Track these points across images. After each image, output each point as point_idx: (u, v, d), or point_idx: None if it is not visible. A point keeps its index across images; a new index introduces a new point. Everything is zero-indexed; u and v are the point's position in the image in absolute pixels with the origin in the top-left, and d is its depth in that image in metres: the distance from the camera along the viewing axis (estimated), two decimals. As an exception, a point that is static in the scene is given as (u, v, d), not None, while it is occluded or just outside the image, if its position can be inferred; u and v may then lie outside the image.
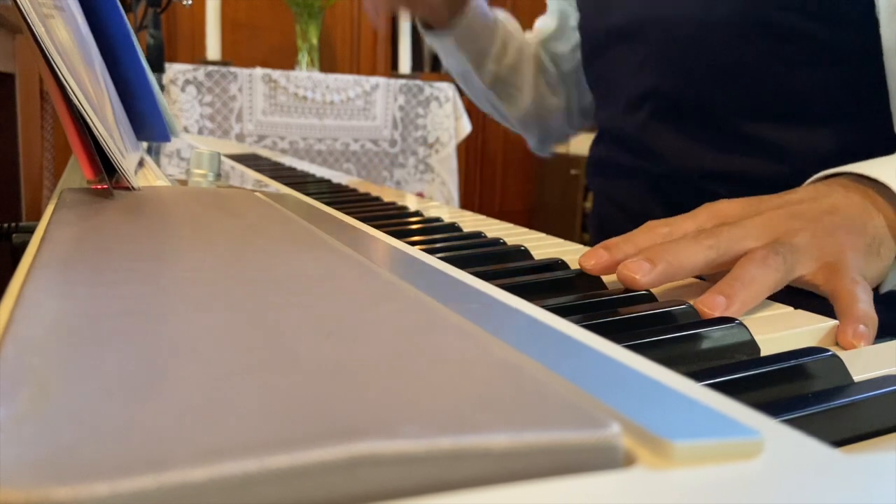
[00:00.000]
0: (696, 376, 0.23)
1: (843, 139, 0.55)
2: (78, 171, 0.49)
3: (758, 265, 0.34)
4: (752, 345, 0.28)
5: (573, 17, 0.84)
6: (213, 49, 2.49)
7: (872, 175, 0.40)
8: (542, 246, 0.48)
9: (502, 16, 0.87)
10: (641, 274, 0.34)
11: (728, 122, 0.61)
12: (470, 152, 3.35)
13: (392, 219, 0.57)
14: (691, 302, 0.32)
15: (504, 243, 0.47)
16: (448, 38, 0.82)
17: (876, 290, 0.41)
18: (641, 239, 0.38)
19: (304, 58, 2.62)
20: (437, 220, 0.56)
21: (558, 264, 0.41)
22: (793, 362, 0.25)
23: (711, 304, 0.32)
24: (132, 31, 0.59)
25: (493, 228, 0.55)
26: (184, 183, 0.54)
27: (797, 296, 0.36)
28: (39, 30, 0.33)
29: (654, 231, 0.39)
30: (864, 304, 0.33)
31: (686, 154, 0.63)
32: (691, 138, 0.63)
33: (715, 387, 0.19)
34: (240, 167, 0.86)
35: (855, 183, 0.41)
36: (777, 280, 0.34)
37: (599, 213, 0.79)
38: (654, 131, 0.66)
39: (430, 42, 0.85)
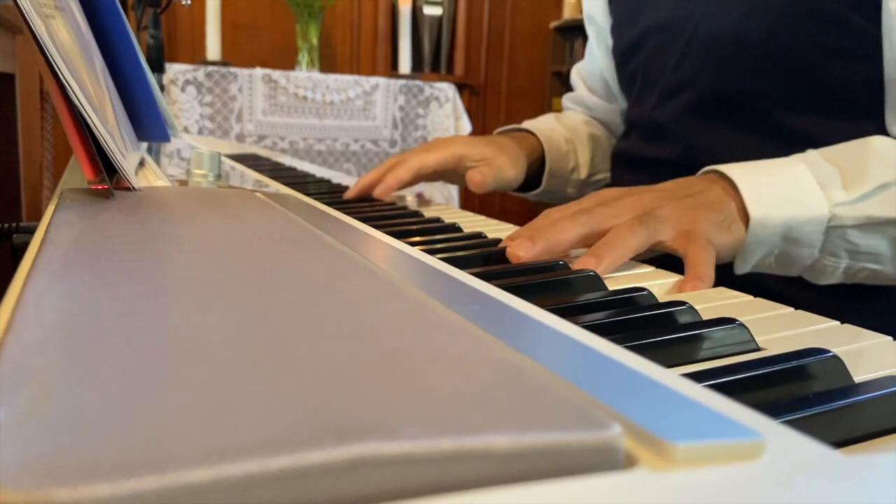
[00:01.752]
0: (697, 377, 0.23)
1: (884, 132, 0.55)
2: (78, 172, 0.49)
3: (624, 230, 0.41)
4: (753, 345, 0.28)
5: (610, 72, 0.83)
6: (213, 49, 2.50)
7: (727, 173, 0.48)
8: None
9: (563, 123, 0.85)
10: (524, 251, 0.42)
11: (767, 114, 0.60)
12: (470, 152, 3.34)
13: (392, 219, 0.57)
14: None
15: (504, 244, 0.47)
16: (532, 197, 0.83)
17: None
18: (536, 223, 0.45)
19: (304, 58, 2.62)
20: (438, 220, 0.56)
21: (558, 265, 0.41)
22: (793, 363, 0.25)
23: (584, 263, 0.39)
24: (132, 32, 0.59)
25: (494, 229, 0.55)
26: (184, 183, 0.54)
27: (798, 295, 0.36)
28: (40, 30, 0.33)
29: (547, 216, 0.46)
30: (706, 266, 0.41)
31: (720, 146, 0.63)
32: (726, 129, 0.63)
33: (715, 388, 0.19)
34: (240, 167, 0.86)
35: (718, 178, 0.48)
36: (640, 242, 0.41)
37: None
38: (688, 123, 0.66)
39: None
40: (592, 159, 0.84)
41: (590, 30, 0.86)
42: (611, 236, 0.41)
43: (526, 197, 0.83)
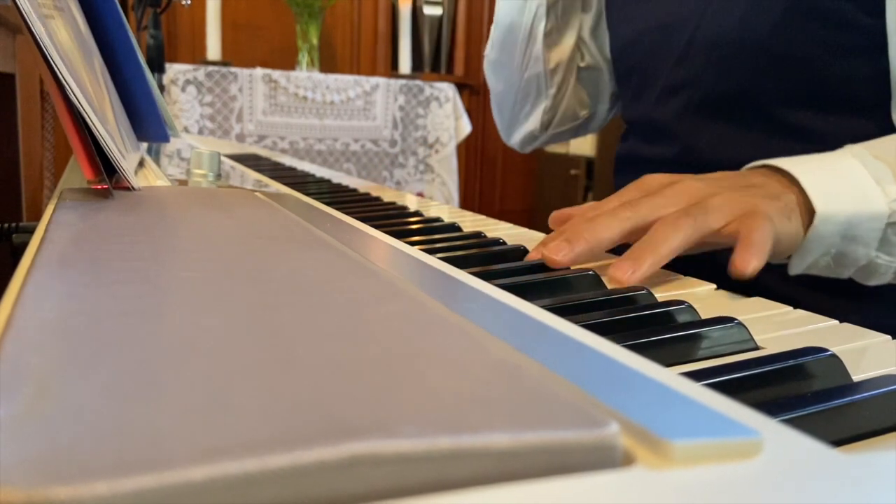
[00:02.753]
0: (696, 376, 0.23)
1: (888, 126, 0.55)
2: (78, 172, 0.49)
3: (668, 226, 0.37)
4: (751, 344, 0.28)
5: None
6: (213, 49, 2.50)
7: (785, 167, 0.44)
8: (542, 246, 0.48)
9: None
10: (561, 255, 0.38)
11: (769, 111, 0.60)
12: (470, 152, 3.35)
13: (392, 219, 0.57)
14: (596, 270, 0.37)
15: (504, 243, 0.47)
16: None
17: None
18: (574, 221, 0.42)
19: (304, 58, 2.62)
20: (437, 220, 0.56)
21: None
22: (792, 362, 0.25)
23: (619, 271, 0.36)
24: (131, 32, 0.59)
25: (493, 228, 0.55)
26: (184, 183, 0.54)
27: (796, 294, 0.36)
28: (39, 30, 0.33)
29: (585, 214, 0.42)
30: (762, 239, 0.36)
31: (722, 143, 0.62)
32: (728, 127, 0.63)
33: (714, 386, 0.19)
34: (240, 167, 0.86)
35: (773, 172, 0.45)
36: (686, 238, 0.37)
37: None
38: (690, 121, 0.65)
39: None
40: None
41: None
42: (652, 234, 0.37)
43: None
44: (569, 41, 0.82)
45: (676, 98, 0.67)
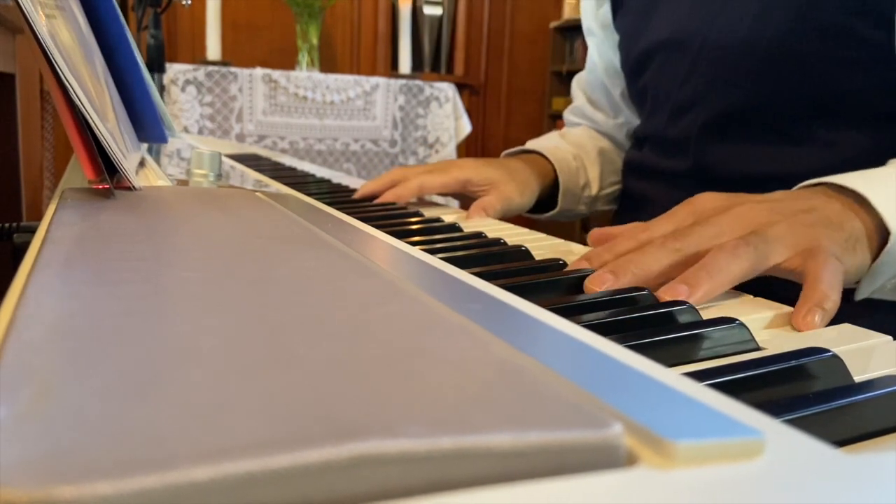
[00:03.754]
0: (698, 376, 0.23)
1: None
2: (79, 171, 0.49)
3: (726, 255, 0.35)
4: (753, 344, 0.28)
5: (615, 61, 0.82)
6: (213, 49, 2.50)
7: (851, 186, 0.41)
8: (542, 246, 0.48)
9: (571, 139, 0.84)
10: (605, 287, 0.35)
11: (779, 125, 0.60)
12: (470, 152, 3.35)
13: (392, 219, 0.57)
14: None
15: (504, 243, 0.47)
16: (546, 218, 0.81)
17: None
18: (620, 246, 0.39)
19: (304, 58, 2.62)
20: (438, 220, 0.56)
21: (558, 264, 0.41)
22: (794, 363, 0.25)
23: (674, 292, 0.33)
24: (129, 33, 0.59)
25: (493, 228, 0.55)
26: (184, 183, 0.54)
27: (795, 296, 0.36)
28: (41, 29, 0.33)
29: (633, 238, 0.40)
30: (830, 286, 0.33)
31: (734, 158, 0.62)
32: (740, 143, 0.62)
33: (716, 387, 0.19)
34: (240, 167, 0.86)
35: (836, 192, 0.42)
36: (746, 269, 0.35)
37: (625, 215, 0.79)
38: (702, 138, 0.65)
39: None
40: (602, 174, 0.82)
41: (590, 41, 0.85)
42: (710, 261, 0.35)
43: (538, 218, 0.81)
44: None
45: (688, 116, 0.67)
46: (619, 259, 0.37)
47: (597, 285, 0.35)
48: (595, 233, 0.46)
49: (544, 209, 0.79)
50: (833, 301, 0.33)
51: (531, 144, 0.81)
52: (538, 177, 0.75)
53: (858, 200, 0.41)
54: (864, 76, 0.55)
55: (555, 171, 0.77)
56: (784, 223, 0.37)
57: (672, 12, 0.68)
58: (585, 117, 0.88)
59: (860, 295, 0.43)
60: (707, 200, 0.41)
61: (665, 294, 0.33)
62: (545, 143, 0.82)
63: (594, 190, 0.82)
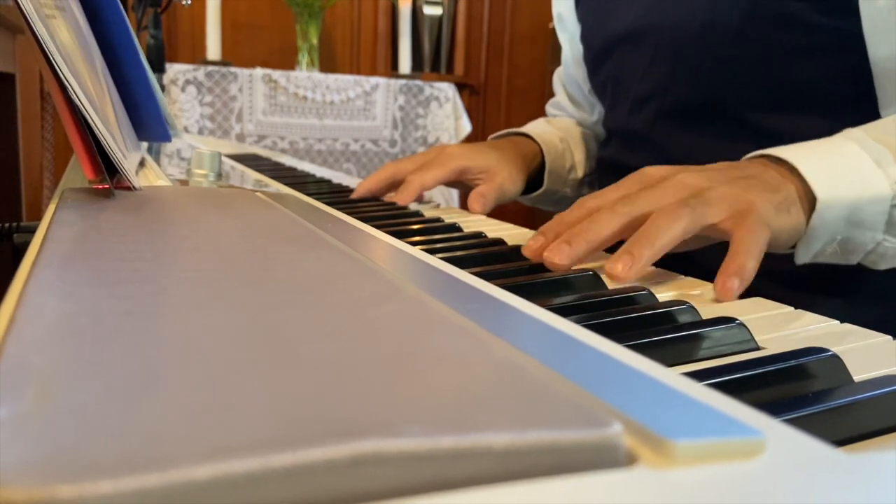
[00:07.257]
0: (697, 376, 0.23)
1: (858, 124, 0.55)
2: (79, 171, 0.49)
3: (664, 217, 0.37)
4: (752, 344, 0.28)
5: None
6: (213, 49, 2.49)
7: (784, 156, 0.44)
8: (543, 246, 0.48)
9: (560, 125, 0.85)
10: (561, 257, 0.38)
11: (737, 116, 0.60)
12: (470, 152, 3.34)
13: (392, 219, 0.57)
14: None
15: (504, 243, 0.47)
16: (532, 199, 0.82)
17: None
18: (570, 216, 0.42)
19: (304, 58, 2.62)
20: (438, 220, 0.56)
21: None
22: (793, 362, 0.25)
23: (617, 266, 0.36)
24: (133, 32, 0.59)
25: (493, 228, 0.55)
26: (184, 183, 0.54)
27: (799, 295, 0.36)
28: (41, 30, 0.33)
29: (583, 207, 0.42)
30: (749, 255, 0.36)
31: (694, 150, 0.63)
32: (700, 134, 0.63)
33: (716, 386, 0.19)
34: (240, 167, 0.86)
35: (772, 162, 0.45)
36: (684, 228, 0.37)
37: None
38: (662, 129, 0.66)
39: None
40: (587, 158, 0.84)
41: (562, 37, 0.87)
42: (648, 226, 0.37)
43: (523, 201, 0.82)
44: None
45: (647, 108, 0.67)
46: (573, 228, 0.40)
47: (554, 256, 0.38)
48: (539, 231, 0.48)
49: (531, 190, 0.79)
50: (750, 269, 0.36)
51: (521, 129, 0.83)
52: (526, 158, 0.76)
53: (790, 169, 0.44)
54: (819, 64, 0.56)
55: (542, 151, 0.78)
56: (722, 187, 0.40)
57: (631, 3, 0.68)
58: (564, 111, 0.90)
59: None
60: (653, 171, 0.44)
61: (610, 267, 0.36)
62: (533, 126, 0.84)
63: (580, 173, 0.83)
